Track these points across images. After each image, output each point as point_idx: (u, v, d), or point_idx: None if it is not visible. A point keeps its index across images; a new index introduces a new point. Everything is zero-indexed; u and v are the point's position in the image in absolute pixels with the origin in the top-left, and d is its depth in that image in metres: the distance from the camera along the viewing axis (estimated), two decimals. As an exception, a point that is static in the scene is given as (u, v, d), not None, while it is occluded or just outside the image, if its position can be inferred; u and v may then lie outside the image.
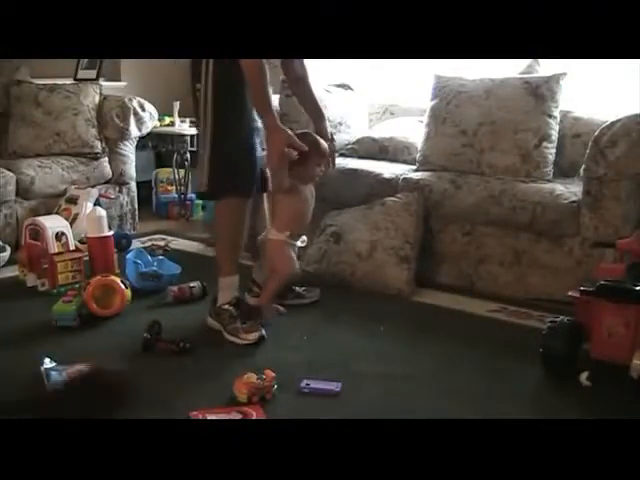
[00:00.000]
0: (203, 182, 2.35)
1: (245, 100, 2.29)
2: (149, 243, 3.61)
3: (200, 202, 4.47)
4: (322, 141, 2.42)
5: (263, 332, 2.32)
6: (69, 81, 4.09)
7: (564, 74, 3.01)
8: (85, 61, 4.35)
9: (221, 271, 2.42)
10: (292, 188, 2.35)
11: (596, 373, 2.03)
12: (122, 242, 3.38)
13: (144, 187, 4.35)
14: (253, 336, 2.30)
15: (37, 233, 2.99)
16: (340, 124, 3.55)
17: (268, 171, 2.42)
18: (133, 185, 3.98)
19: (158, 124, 4.23)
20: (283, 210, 2.41)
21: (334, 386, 1.99)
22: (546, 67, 3.15)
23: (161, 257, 3.06)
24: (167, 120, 4.42)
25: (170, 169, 4.39)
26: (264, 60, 2.19)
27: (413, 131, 3.41)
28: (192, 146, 4.26)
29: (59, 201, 3.55)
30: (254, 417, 1.79)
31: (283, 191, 2.34)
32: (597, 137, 2.58)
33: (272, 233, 2.41)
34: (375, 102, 3.87)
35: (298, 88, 2.59)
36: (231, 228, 2.39)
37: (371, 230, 2.93)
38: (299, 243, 2.46)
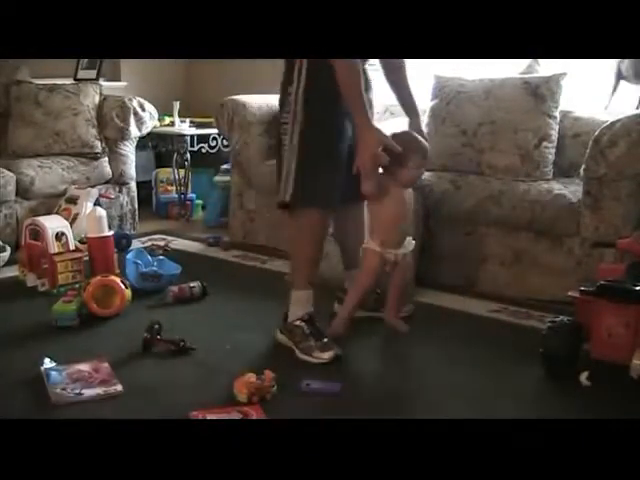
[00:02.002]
0: (287, 191, 2.17)
1: (337, 106, 2.14)
2: (149, 243, 3.60)
3: (200, 202, 4.48)
4: (423, 141, 2.24)
5: (339, 351, 2.17)
6: (69, 81, 4.09)
7: (564, 74, 3.00)
8: (85, 61, 4.35)
9: (295, 284, 2.28)
10: (387, 191, 2.18)
11: (596, 373, 2.03)
12: (122, 242, 3.38)
13: (144, 187, 4.35)
14: (328, 355, 2.14)
15: (37, 233, 2.99)
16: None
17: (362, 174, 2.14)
18: (133, 185, 3.98)
19: (158, 124, 4.23)
20: (375, 216, 2.26)
21: (334, 386, 1.99)
22: (546, 67, 3.14)
23: (161, 257, 3.06)
24: (167, 120, 4.41)
25: (170, 169, 4.38)
26: (358, 60, 2.09)
27: (413, 131, 3.41)
28: (192, 146, 4.26)
29: (59, 201, 3.55)
30: (254, 417, 1.79)
31: (373, 195, 2.16)
32: (597, 137, 2.57)
33: (366, 241, 2.28)
34: (375, 102, 3.85)
35: (397, 77, 2.39)
36: (311, 242, 2.22)
37: (371, 230, 2.92)
38: (401, 250, 2.27)
